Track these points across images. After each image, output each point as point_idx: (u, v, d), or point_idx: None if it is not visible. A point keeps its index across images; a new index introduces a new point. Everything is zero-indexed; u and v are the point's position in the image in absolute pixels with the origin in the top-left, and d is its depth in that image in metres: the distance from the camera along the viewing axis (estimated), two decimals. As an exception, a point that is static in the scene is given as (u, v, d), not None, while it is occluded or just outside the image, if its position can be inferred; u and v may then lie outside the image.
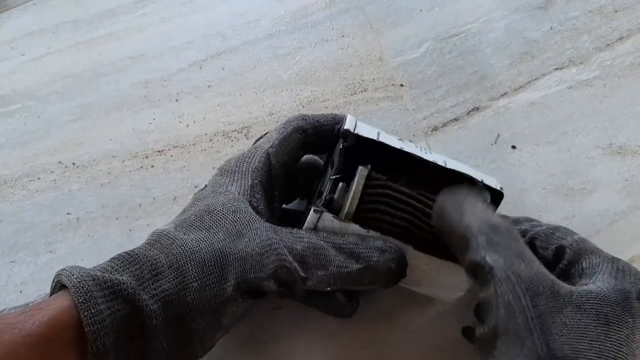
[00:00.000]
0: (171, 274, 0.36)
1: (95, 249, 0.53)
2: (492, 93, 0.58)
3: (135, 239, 0.53)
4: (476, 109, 0.58)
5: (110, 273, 0.35)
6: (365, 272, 0.39)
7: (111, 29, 0.64)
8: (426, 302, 0.44)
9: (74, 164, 0.57)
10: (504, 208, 0.44)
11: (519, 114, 0.57)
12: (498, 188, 0.42)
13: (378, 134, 0.42)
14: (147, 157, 0.57)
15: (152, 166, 0.56)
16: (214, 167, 0.56)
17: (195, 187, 0.55)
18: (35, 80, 0.62)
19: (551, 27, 0.61)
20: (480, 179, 0.42)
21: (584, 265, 0.38)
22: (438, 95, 0.58)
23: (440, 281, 0.42)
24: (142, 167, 0.56)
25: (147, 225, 0.54)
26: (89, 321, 0.32)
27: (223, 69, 0.61)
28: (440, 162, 0.42)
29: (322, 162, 0.49)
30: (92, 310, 0.32)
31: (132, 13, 0.65)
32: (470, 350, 0.47)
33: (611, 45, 0.60)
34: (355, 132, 0.42)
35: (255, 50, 0.62)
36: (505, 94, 0.58)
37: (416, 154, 0.41)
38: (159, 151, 0.57)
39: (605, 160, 0.54)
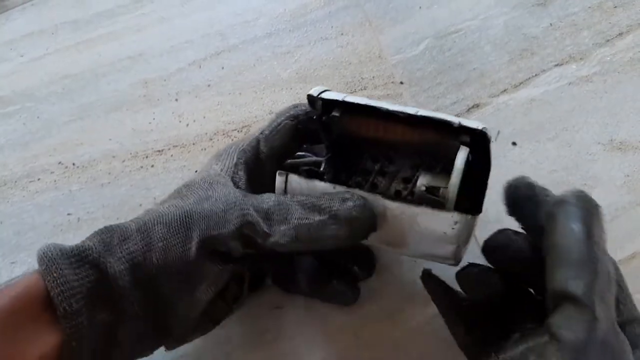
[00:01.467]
0: (138, 236, 0.36)
1: (96, 249, 0.53)
2: (492, 90, 0.58)
3: (136, 239, 0.53)
4: (476, 105, 0.57)
5: (82, 243, 0.36)
6: (326, 223, 0.37)
7: (110, 29, 0.64)
8: (428, 300, 0.44)
9: (74, 164, 0.57)
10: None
11: (519, 111, 0.57)
12: (479, 128, 0.37)
13: (344, 97, 0.40)
14: (147, 156, 0.57)
15: (153, 166, 0.56)
16: (214, 167, 0.56)
17: (196, 186, 0.55)
18: (34, 81, 0.62)
19: (551, 24, 0.61)
20: (457, 122, 0.37)
21: None
22: (438, 93, 0.58)
23: (423, 233, 0.37)
24: (142, 167, 0.56)
25: (148, 225, 0.54)
26: (52, 285, 0.32)
27: (222, 68, 0.61)
28: (412, 112, 0.38)
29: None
30: (55, 274, 0.33)
31: (131, 13, 0.65)
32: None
33: (611, 41, 0.60)
34: (319, 96, 0.41)
35: (254, 49, 0.62)
36: (505, 90, 0.58)
37: (384, 107, 0.39)
38: (159, 151, 0.57)
39: (606, 156, 0.54)
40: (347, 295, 0.46)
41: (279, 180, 0.40)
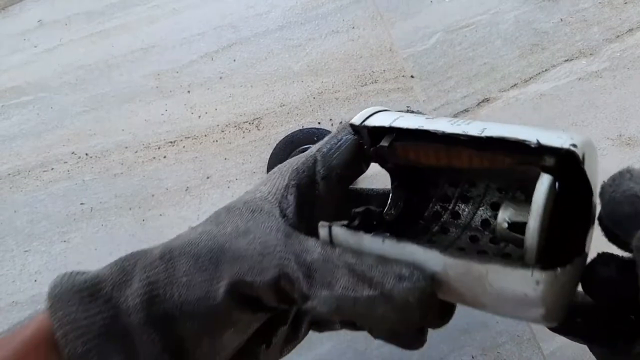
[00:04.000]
0: (161, 265, 0.32)
1: (108, 238, 0.54)
2: (502, 84, 0.58)
3: (148, 229, 0.54)
4: (486, 100, 0.58)
5: (99, 272, 0.33)
6: (376, 301, 0.29)
7: (123, 21, 0.65)
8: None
9: (87, 154, 0.57)
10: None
11: (528, 105, 0.57)
12: (565, 147, 0.27)
13: (393, 120, 0.34)
14: (159, 148, 0.57)
15: (165, 157, 0.57)
16: (225, 158, 0.56)
17: (208, 177, 0.55)
18: (48, 71, 0.62)
19: (561, 19, 0.61)
20: (535, 140, 0.28)
21: None
22: (448, 87, 0.59)
23: (500, 295, 0.28)
24: (154, 157, 0.57)
25: (160, 215, 0.54)
26: (58, 325, 0.30)
27: (234, 60, 0.62)
28: (475, 132, 0.30)
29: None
30: (60, 313, 0.30)
31: (144, 5, 0.66)
32: (475, 343, 0.48)
33: (621, 36, 0.60)
34: (364, 124, 0.34)
35: (266, 42, 0.62)
36: (515, 85, 0.58)
37: (440, 129, 0.31)
38: (171, 142, 0.58)
39: (615, 151, 0.55)
40: (413, 340, 0.38)
41: (322, 233, 0.32)
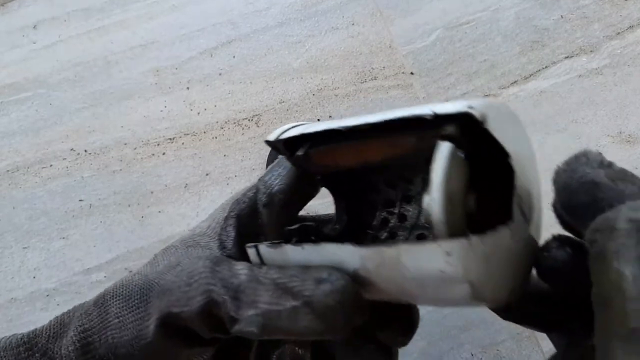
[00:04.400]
0: (95, 311, 0.31)
1: (107, 235, 0.53)
2: (502, 81, 0.58)
3: (147, 226, 0.53)
4: (486, 97, 0.58)
5: (36, 328, 0.32)
6: (299, 311, 0.27)
7: (122, 17, 0.64)
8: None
9: (86, 151, 0.57)
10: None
11: (529, 102, 0.57)
12: (462, 111, 0.25)
13: (304, 129, 0.32)
14: (158, 144, 0.57)
15: (164, 154, 0.57)
16: (225, 155, 0.56)
17: (207, 174, 0.55)
18: (46, 68, 0.62)
19: (561, 16, 0.61)
20: (430, 112, 0.26)
21: None
22: (448, 84, 0.59)
23: (419, 278, 0.26)
24: (153, 154, 0.57)
25: (159, 212, 0.54)
26: None
27: (234, 57, 0.61)
28: (375, 119, 0.29)
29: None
30: None
31: (143, 1, 0.65)
32: (474, 341, 0.48)
33: (621, 33, 0.60)
34: (279, 138, 0.32)
35: (265, 38, 0.62)
36: (515, 82, 0.58)
37: (343, 125, 0.29)
38: (171, 139, 0.57)
39: (615, 148, 0.54)
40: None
41: (251, 254, 0.31)
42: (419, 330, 0.48)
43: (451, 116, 0.25)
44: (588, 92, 0.57)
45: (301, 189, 0.35)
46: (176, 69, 0.61)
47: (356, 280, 0.27)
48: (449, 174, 0.24)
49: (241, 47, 0.62)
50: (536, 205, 0.28)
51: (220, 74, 0.61)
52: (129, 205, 0.55)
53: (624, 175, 0.24)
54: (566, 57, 0.59)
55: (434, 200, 0.24)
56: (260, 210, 0.34)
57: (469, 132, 0.26)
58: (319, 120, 0.58)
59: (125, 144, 0.57)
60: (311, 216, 0.39)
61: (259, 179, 0.34)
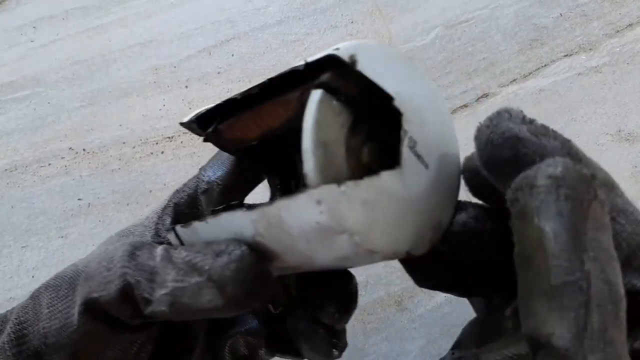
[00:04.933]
0: (30, 304, 0.31)
1: (106, 234, 0.53)
2: (501, 79, 0.58)
3: (146, 225, 0.53)
4: (485, 95, 0.58)
5: None
6: (201, 286, 0.27)
7: (120, 15, 0.64)
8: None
9: (84, 150, 0.57)
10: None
11: (528, 101, 0.57)
12: (330, 53, 0.23)
13: (210, 105, 0.31)
14: (157, 143, 0.57)
15: (163, 152, 0.57)
16: (223, 153, 0.56)
17: (206, 173, 0.55)
18: (44, 66, 0.62)
19: (561, 14, 0.61)
20: (302, 63, 0.25)
21: None
22: (447, 82, 0.58)
23: (302, 236, 0.24)
24: (152, 153, 0.57)
25: (158, 210, 0.54)
26: None
27: (232, 55, 0.61)
28: (259, 80, 0.28)
29: None
30: None
31: (141, -1, 0.65)
32: (478, 335, 0.48)
33: (621, 31, 0.60)
34: (192, 119, 0.31)
35: (264, 37, 0.62)
36: (514, 80, 0.58)
37: (237, 94, 0.29)
38: (169, 137, 0.57)
39: (614, 146, 0.54)
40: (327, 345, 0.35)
41: (171, 238, 0.30)
42: (418, 329, 0.48)
43: (322, 63, 0.24)
44: (587, 90, 0.57)
45: (242, 176, 0.34)
46: (175, 67, 0.61)
47: (256, 250, 0.25)
48: (318, 122, 0.23)
49: (240, 46, 0.62)
50: (443, 151, 0.26)
51: (219, 73, 0.60)
52: (128, 204, 0.55)
53: (546, 131, 0.23)
54: (565, 56, 0.59)
55: (304, 150, 0.22)
56: (199, 198, 0.33)
57: (346, 77, 0.24)
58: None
59: (124, 142, 0.57)
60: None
61: (200, 168, 0.34)
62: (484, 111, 0.57)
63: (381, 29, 0.62)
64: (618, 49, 0.59)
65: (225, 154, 0.34)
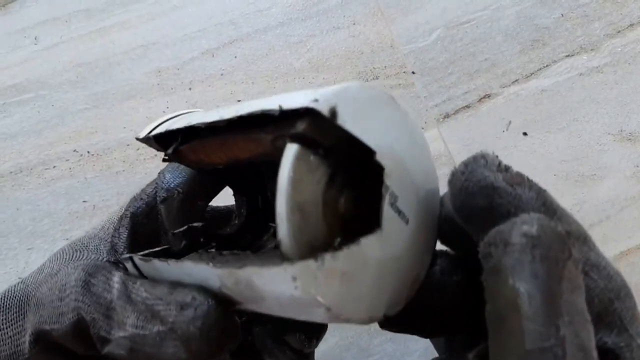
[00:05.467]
0: None
1: (111, 236, 0.54)
2: (503, 80, 0.58)
3: (151, 226, 0.54)
4: (487, 96, 0.58)
5: None
6: (165, 336, 0.25)
7: (124, 18, 0.64)
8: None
9: (89, 152, 0.57)
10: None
11: (530, 101, 0.57)
12: (307, 106, 0.21)
13: (175, 122, 0.28)
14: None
15: (167, 154, 0.57)
16: (227, 155, 0.56)
17: (210, 174, 0.56)
18: (48, 69, 0.62)
19: (562, 14, 0.61)
20: (276, 106, 0.22)
21: None
22: (449, 83, 0.59)
23: (275, 301, 0.22)
24: (156, 155, 0.57)
25: (163, 212, 0.54)
26: None
27: (235, 57, 0.62)
28: (230, 114, 0.24)
29: None
30: None
31: (144, 1, 0.65)
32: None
33: (622, 32, 0.60)
34: (150, 134, 0.29)
35: (267, 38, 0.62)
36: (516, 80, 0.58)
37: (201, 121, 0.26)
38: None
39: (616, 146, 0.55)
40: None
41: (128, 266, 0.28)
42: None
43: (297, 111, 0.22)
44: (589, 90, 0.57)
45: (203, 183, 0.32)
46: (178, 69, 0.61)
47: (222, 299, 0.24)
48: (294, 182, 0.21)
49: (243, 47, 0.62)
50: (423, 197, 0.25)
51: (222, 75, 0.61)
52: (133, 206, 0.55)
53: (522, 180, 0.23)
54: (567, 56, 0.59)
55: (278, 213, 0.21)
56: (159, 203, 0.31)
57: (324, 128, 0.22)
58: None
59: (128, 144, 0.58)
60: (229, 207, 0.36)
61: (159, 174, 0.32)
62: (486, 112, 0.57)
63: (383, 31, 0.62)
64: (619, 49, 0.59)
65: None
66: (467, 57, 0.60)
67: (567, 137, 0.55)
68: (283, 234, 0.20)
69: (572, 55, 0.59)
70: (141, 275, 0.27)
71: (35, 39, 0.64)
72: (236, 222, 0.31)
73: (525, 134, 0.56)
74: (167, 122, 0.28)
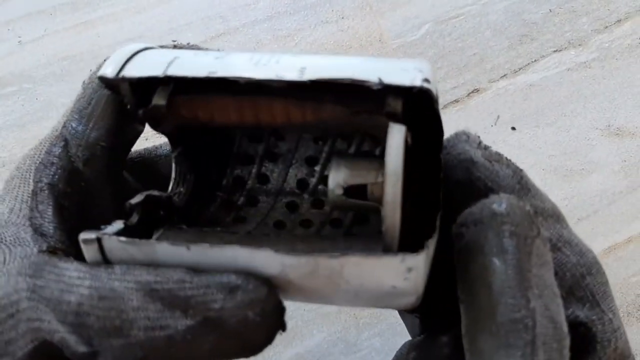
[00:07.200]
0: None
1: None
2: (491, 75, 0.58)
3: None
4: (476, 90, 0.58)
5: None
6: (202, 331, 0.19)
7: (109, 11, 0.64)
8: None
9: (73, 146, 0.57)
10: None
11: (518, 96, 0.57)
12: (417, 84, 0.19)
13: (170, 62, 0.22)
14: (147, 139, 0.56)
15: (153, 148, 0.56)
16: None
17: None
18: (32, 62, 0.61)
19: (550, 10, 0.62)
20: (376, 78, 0.19)
21: None
22: (438, 77, 0.59)
23: (359, 291, 0.20)
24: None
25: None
26: None
27: (223, 51, 0.61)
28: (293, 75, 0.20)
29: None
30: None
31: (130, -6, 0.65)
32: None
33: (609, 27, 0.61)
34: (122, 75, 0.22)
35: (255, 32, 0.62)
36: (504, 75, 0.58)
37: (242, 75, 0.20)
38: (159, 134, 0.57)
39: (604, 141, 0.55)
40: None
41: (88, 252, 0.21)
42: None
43: (401, 89, 0.19)
44: (577, 85, 0.57)
45: (125, 127, 0.26)
46: (165, 63, 0.61)
47: (273, 286, 0.20)
48: (402, 167, 0.19)
49: (230, 41, 0.62)
50: None
51: (209, 68, 0.60)
52: (118, 201, 0.54)
53: (500, 158, 0.24)
54: (555, 51, 0.59)
55: (392, 200, 0.19)
56: (80, 169, 0.24)
57: (415, 110, 0.20)
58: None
59: (114, 138, 0.57)
60: (152, 154, 0.31)
61: (63, 126, 0.25)
62: (475, 106, 0.57)
63: (372, 25, 0.62)
64: (607, 45, 0.60)
65: (99, 101, 0.25)
66: (456, 51, 0.60)
67: (556, 132, 0.55)
68: (393, 225, 0.19)
69: (560, 51, 0.59)
70: (105, 261, 0.21)
71: (19, 32, 0.63)
72: (182, 189, 0.26)
73: (513, 128, 0.56)
74: (142, 61, 0.22)
